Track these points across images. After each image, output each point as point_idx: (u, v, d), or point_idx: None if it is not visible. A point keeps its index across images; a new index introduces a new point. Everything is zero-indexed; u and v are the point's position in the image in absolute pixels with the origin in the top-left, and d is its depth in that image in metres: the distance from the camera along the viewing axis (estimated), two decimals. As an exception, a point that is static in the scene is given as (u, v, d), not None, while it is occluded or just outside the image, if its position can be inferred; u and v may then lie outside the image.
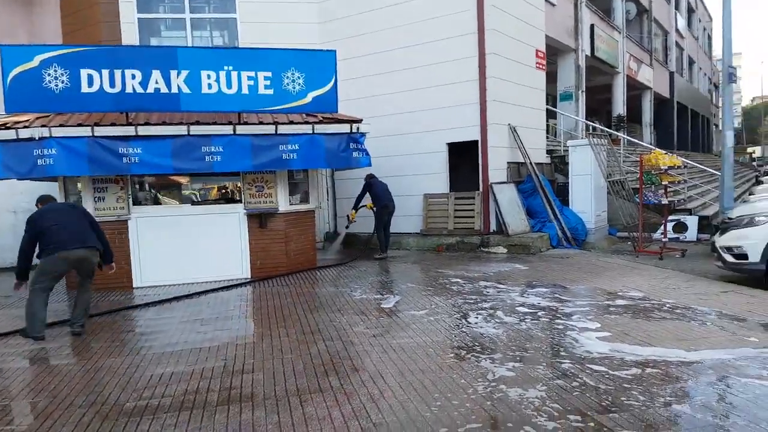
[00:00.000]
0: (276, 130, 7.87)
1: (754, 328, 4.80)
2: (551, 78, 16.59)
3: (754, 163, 34.07)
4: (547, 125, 15.44)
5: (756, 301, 5.74)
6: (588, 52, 16.59)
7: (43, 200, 5.69)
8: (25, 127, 7.28)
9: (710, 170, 14.84)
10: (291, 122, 8.03)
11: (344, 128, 8.14)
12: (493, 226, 10.31)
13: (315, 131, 8.00)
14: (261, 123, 7.92)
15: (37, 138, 7.20)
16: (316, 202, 9.34)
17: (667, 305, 5.71)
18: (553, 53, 15.88)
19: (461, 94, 10.27)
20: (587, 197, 10.44)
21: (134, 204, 8.13)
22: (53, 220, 5.28)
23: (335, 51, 7.98)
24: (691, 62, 33.65)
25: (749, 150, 44.98)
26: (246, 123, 7.89)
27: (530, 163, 10.72)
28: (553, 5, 14.07)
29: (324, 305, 6.31)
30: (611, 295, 6.24)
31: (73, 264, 5.37)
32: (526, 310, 5.70)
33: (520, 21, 11.09)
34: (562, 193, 11.27)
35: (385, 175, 11.15)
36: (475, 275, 7.78)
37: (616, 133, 15.72)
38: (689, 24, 33.01)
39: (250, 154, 7.84)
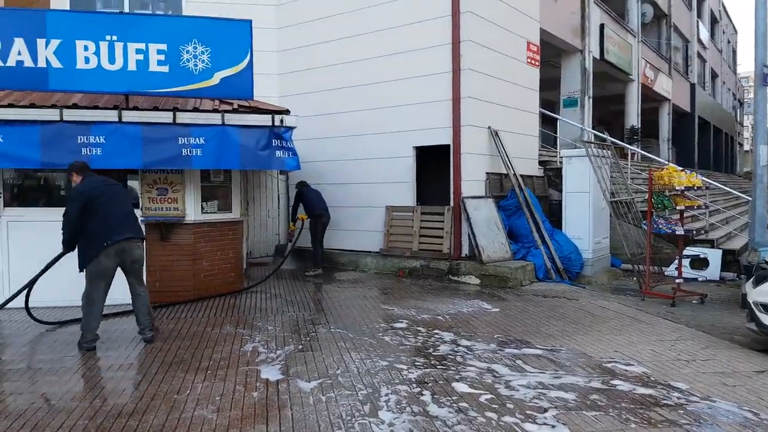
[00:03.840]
0: (174, 119, 6.11)
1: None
2: (554, 83, 14.71)
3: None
4: (548, 135, 13.53)
5: (811, 396, 3.80)
6: (596, 55, 14.66)
7: (77, 169, 5.15)
8: None
9: (737, 193, 12.78)
10: (195, 109, 6.26)
11: (265, 120, 6.36)
12: (465, 250, 8.42)
13: (226, 122, 6.22)
14: (156, 108, 6.16)
15: None
16: (241, 211, 7.53)
17: (676, 394, 3.80)
18: (556, 54, 13.98)
19: (431, 88, 8.45)
20: (584, 220, 8.48)
21: (11, 204, 6.46)
22: (99, 205, 4.85)
23: (251, 21, 6.24)
24: (714, 75, 31.40)
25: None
26: (136, 108, 6.13)
27: (514, 174, 8.81)
28: (556, -3, 12.21)
29: (179, 361, 4.48)
30: (596, 369, 4.33)
31: (116, 257, 4.89)
32: (468, 391, 3.82)
33: (507, 6, 9.24)
34: (557, 212, 9.34)
35: (342, 182, 9.46)
36: (425, 317, 5.93)
37: (627, 146, 13.72)
38: (712, 35, 30.79)
39: (140, 147, 6.09)
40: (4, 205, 6.44)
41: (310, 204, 8.70)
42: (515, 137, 9.40)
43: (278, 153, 6.42)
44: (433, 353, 4.66)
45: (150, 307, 5.12)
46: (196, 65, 6.05)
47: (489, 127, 8.74)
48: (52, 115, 5.94)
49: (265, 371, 4.21)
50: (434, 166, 8.85)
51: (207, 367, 4.31)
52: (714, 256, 8.73)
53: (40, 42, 5.81)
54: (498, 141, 8.80)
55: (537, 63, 10.12)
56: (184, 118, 6.15)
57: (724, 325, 5.95)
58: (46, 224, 6.35)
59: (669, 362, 4.52)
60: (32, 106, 5.99)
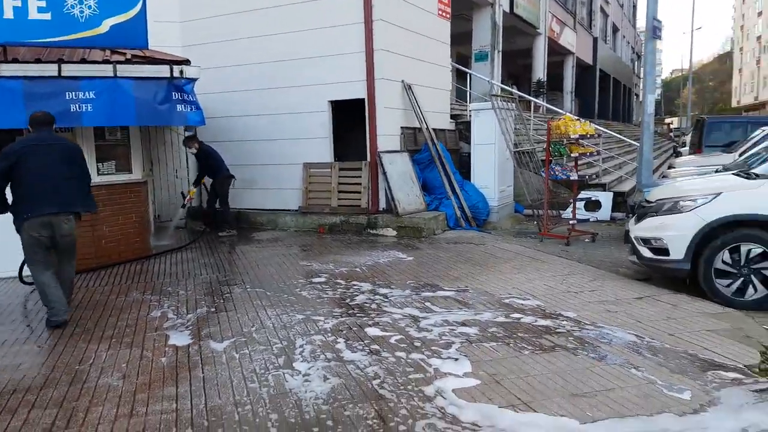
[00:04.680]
0: (59, 72, 5.60)
1: (681, 369, 3.34)
2: (467, 36, 14.93)
3: (671, 134, 34.38)
4: (461, 89, 13.82)
5: (680, 316, 4.34)
6: (506, 8, 14.98)
7: (36, 122, 4.56)
8: None
9: (629, 140, 13.83)
10: (84, 60, 5.76)
11: (162, 71, 5.98)
12: (383, 204, 8.58)
13: (118, 74, 5.79)
14: (39, 61, 5.61)
15: None
16: (144, 171, 7.14)
17: (565, 323, 4.21)
18: (469, 7, 14.15)
19: (344, 40, 8.30)
20: (490, 170, 8.89)
21: None
22: (32, 167, 4.24)
23: (141, -39, 5.76)
24: (615, 29, 33.17)
25: (667, 120, 45.83)
26: (16, 60, 5.56)
27: (427, 128, 8.99)
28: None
29: (81, 331, 4.30)
30: (496, 305, 4.67)
31: (43, 229, 4.31)
32: (380, 334, 4.00)
33: (419, -44, 9.17)
34: (468, 164, 9.69)
35: (256, 139, 9.24)
36: (343, 270, 6.04)
37: (532, 99, 14.33)
38: (615, -11, 32.38)
39: (22, 104, 5.56)
40: None
41: (220, 163, 8.41)
42: (428, 91, 9.52)
43: (179, 107, 6.10)
44: (350, 303, 4.80)
45: (72, 287, 4.78)
46: (82, 11, 5.56)
47: (402, 81, 8.79)
48: None
49: (174, 335, 4.13)
50: (351, 121, 8.82)
51: (112, 336, 4.17)
52: (605, 198, 9.50)
53: None
54: (411, 95, 8.88)
55: (448, 15, 10.19)
56: (70, 70, 5.65)
57: (612, 260, 6.56)
58: None
59: (560, 294, 4.96)
60: None
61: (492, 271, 5.84)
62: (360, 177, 8.60)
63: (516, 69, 24.40)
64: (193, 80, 6.17)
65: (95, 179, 6.36)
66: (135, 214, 6.81)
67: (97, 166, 6.39)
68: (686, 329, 4.02)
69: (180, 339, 4.04)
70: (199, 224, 9.05)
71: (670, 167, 11.66)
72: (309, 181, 8.99)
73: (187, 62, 6.20)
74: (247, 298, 5.06)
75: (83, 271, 6.17)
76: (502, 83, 16.43)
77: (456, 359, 3.53)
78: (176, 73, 6.03)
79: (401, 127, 8.91)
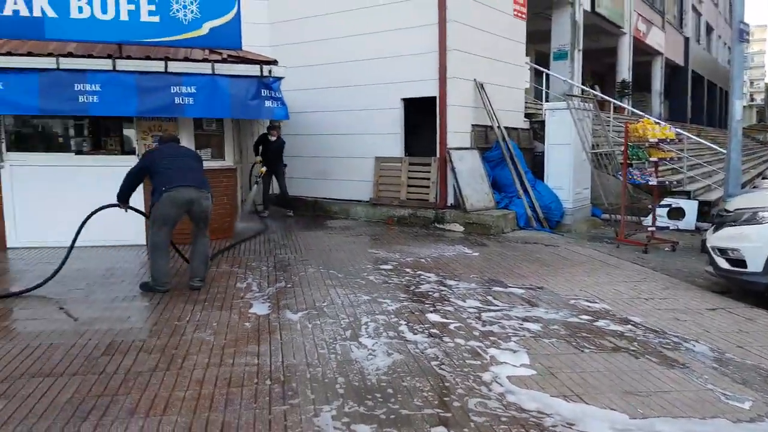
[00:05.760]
0: (166, 68, 6.27)
1: (745, 380, 3.31)
2: (545, 35, 14.68)
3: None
4: (536, 88, 13.66)
5: (753, 329, 4.22)
6: (587, 7, 14.55)
7: (163, 140, 5.35)
8: None
9: (718, 148, 13.06)
10: (186, 59, 6.41)
11: (253, 70, 6.53)
12: (450, 199, 8.76)
13: (216, 72, 6.39)
14: (149, 58, 6.31)
15: None
16: (234, 159, 7.77)
17: (630, 326, 4.23)
18: (547, 6, 13.89)
19: (418, 40, 8.55)
20: (565, 171, 8.80)
21: (10, 150, 6.66)
22: (166, 161, 4.88)
23: (238, -31, 6.30)
24: (709, 29, 31.02)
25: (771, 127, 42.13)
26: (129, 57, 6.27)
27: (499, 126, 9.04)
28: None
29: (179, 294, 4.86)
30: (560, 304, 4.75)
31: (183, 205, 4.81)
32: (441, 320, 4.23)
33: (495, -42, 9.22)
34: (541, 164, 9.64)
35: (333, 133, 9.74)
36: (408, 259, 6.32)
37: (611, 99, 13.83)
38: (709, -14, 30.30)
39: (135, 95, 6.30)
40: (6, 150, 6.66)
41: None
42: (501, 90, 9.57)
43: (267, 102, 6.63)
44: (414, 290, 5.06)
45: (208, 259, 5.21)
46: (185, 15, 6.17)
47: (475, 80, 8.91)
48: (48, 63, 6.10)
49: (257, 303, 4.61)
50: (422, 117, 9.07)
51: (205, 300, 4.71)
52: (690, 206, 9.11)
53: (35, -10, 5.90)
54: (483, 93, 8.98)
55: (524, 15, 10.15)
56: (175, 67, 6.31)
57: (690, 270, 6.36)
58: (45, 168, 6.67)
59: (629, 300, 4.93)
60: (29, 54, 6.13)
61: (560, 273, 5.88)
62: (429, 172, 8.82)
63: (601, 67, 23.52)
64: (280, 79, 6.68)
65: (194, 164, 7.06)
66: (227, 197, 7.44)
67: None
68: (758, 343, 3.92)
69: (261, 308, 4.51)
70: (287, 211, 9.69)
71: (763, 177, 10.94)
72: (380, 174, 9.33)
73: (275, 62, 6.72)
74: (319, 278, 5.46)
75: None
76: (584, 82, 16.01)
77: (514, 351, 3.68)
78: (265, 72, 6.56)
79: (472, 125, 9.03)
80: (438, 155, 8.64)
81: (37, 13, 5.98)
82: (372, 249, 6.94)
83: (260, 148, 9.47)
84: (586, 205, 9.52)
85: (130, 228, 6.51)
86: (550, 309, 4.60)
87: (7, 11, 5.93)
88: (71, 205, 6.54)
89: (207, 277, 5.20)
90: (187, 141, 6.96)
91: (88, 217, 5.07)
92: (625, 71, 18.13)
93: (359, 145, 9.42)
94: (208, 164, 7.17)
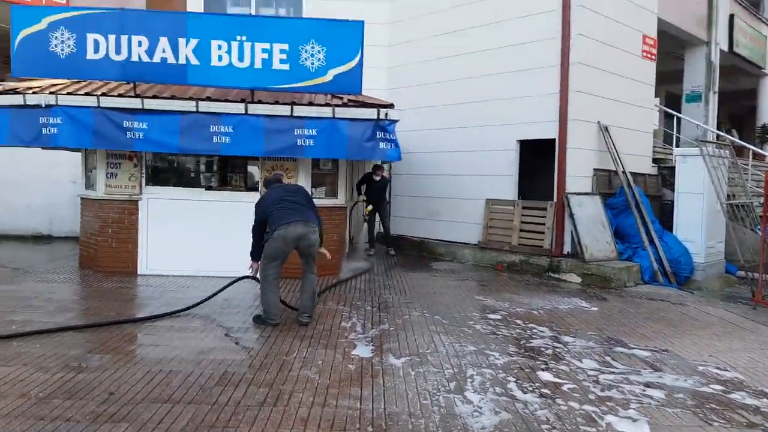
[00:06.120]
0: (292, 112, 6.71)
1: None
2: (677, 76, 13.68)
3: None
4: (667, 132, 12.69)
5: None
6: (724, 47, 13.35)
7: (269, 181, 5.58)
8: (34, 93, 6.86)
9: None
10: (310, 103, 6.81)
11: (371, 114, 6.74)
12: (567, 247, 8.28)
13: (336, 115, 6.70)
14: (277, 102, 6.79)
15: (44, 105, 6.74)
16: (347, 198, 8.04)
17: (766, 399, 3.65)
18: (680, 46, 12.98)
19: (538, 82, 8.37)
20: (697, 222, 7.96)
21: (148, 183, 7.47)
22: (275, 203, 5.14)
23: (362, 21, 6.59)
24: None
25: None
26: (260, 102, 6.82)
27: (623, 171, 8.46)
28: (678, -15, 11.33)
29: (287, 329, 5.02)
30: (687, 371, 4.22)
31: (292, 242, 5.04)
32: (553, 380, 3.94)
33: (621, -2, 8.85)
34: (670, 213, 8.83)
35: (440, 174, 9.77)
36: (518, 310, 6.02)
37: (747, 145, 12.38)
38: None
39: (262, 137, 6.78)
40: (145, 184, 7.47)
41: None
42: (627, 133, 9.01)
43: (381, 144, 6.80)
44: (524, 344, 4.78)
45: (315, 295, 5.32)
46: (312, 64, 6.59)
47: (598, 122, 8.49)
48: (189, 106, 6.76)
49: (360, 345, 4.61)
50: (538, 160, 8.79)
51: (311, 336, 4.82)
52: None
53: (181, 41, 6.61)
54: (607, 136, 8.51)
55: (653, 57, 9.57)
56: (300, 111, 6.72)
57: None
58: (178, 202, 7.36)
59: (765, 369, 4.30)
60: (173, 97, 6.88)
61: (688, 335, 5.26)
62: (544, 217, 8.44)
63: (739, 110, 21.38)
64: (395, 121, 6.84)
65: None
66: (336, 234, 7.68)
67: (311, 190, 7.41)
68: None
69: (364, 350, 4.50)
70: (389, 249, 9.82)
71: None
72: (490, 217, 9.11)
73: (391, 106, 6.91)
74: (423, 323, 5.37)
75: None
76: (719, 125, 14.62)
77: (634, 420, 3.31)
78: (381, 116, 6.76)
79: (594, 169, 8.56)
80: (555, 200, 8.26)
81: (182, 60, 6.66)
82: (479, 296, 6.72)
83: (363, 186, 9.72)
84: (719, 261, 8.50)
85: (246, 260, 6.91)
86: (676, 375, 4.10)
87: (156, 59, 6.69)
88: (197, 237, 7.23)
89: (314, 313, 5.33)
90: (304, 179, 7.35)
91: (229, 285, 5.65)
92: (766, 115, 16.28)
93: (469, 186, 9.32)
94: (321, 202, 7.50)
